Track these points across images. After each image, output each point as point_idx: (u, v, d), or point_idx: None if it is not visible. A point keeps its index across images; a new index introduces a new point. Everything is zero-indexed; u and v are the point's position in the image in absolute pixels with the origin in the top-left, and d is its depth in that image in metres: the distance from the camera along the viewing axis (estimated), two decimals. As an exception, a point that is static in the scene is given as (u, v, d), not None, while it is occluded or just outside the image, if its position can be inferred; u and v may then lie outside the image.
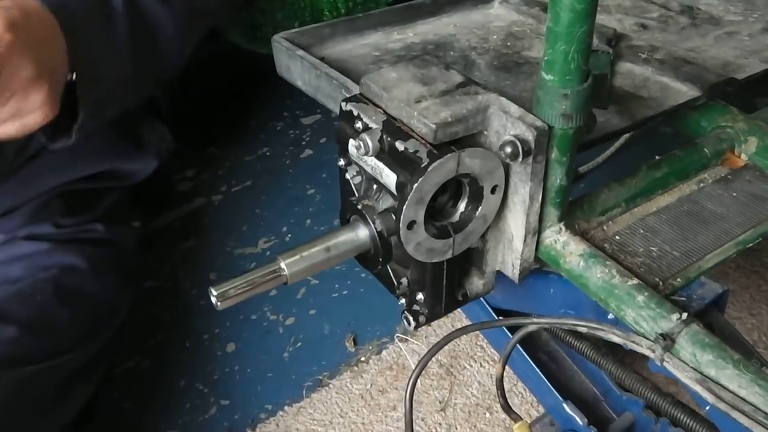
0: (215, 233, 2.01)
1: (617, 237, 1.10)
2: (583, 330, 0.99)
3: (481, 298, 1.46)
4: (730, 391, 0.87)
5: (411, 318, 1.07)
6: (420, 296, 1.06)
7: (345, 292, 1.84)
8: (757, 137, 1.26)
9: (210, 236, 2.00)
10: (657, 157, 1.21)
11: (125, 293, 1.58)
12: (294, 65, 1.33)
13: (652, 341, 0.92)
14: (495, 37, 1.48)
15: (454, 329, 1.17)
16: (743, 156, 1.27)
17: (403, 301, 1.09)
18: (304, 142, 2.35)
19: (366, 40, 1.46)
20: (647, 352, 0.92)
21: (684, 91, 1.30)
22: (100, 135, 1.49)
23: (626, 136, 1.98)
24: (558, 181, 0.99)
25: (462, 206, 0.98)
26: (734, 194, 1.20)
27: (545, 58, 0.91)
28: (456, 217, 0.99)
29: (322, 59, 1.33)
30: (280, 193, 2.15)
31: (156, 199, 2.05)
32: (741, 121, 1.29)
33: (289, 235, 2.01)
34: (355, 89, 1.08)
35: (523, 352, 1.41)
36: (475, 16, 1.58)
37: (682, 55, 1.40)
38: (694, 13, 1.62)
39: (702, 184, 1.22)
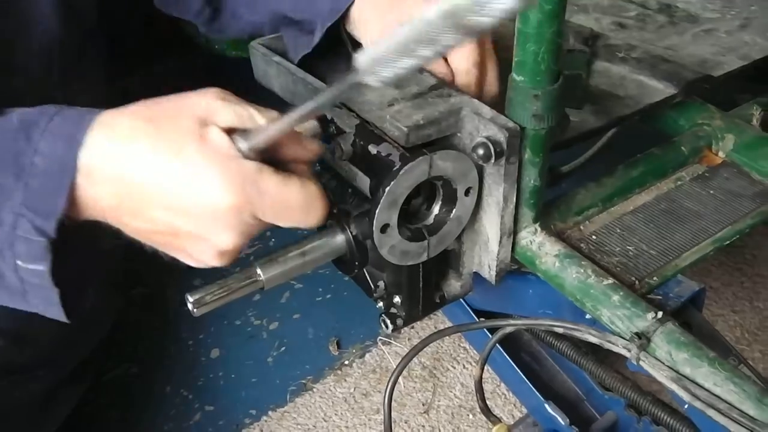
0: (200, 239, 2.01)
1: (594, 237, 1.10)
2: (560, 330, 0.99)
3: (462, 300, 1.46)
4: (706, 389, 0.87)
5: (389, 321, 1.07)
6: (397, 299, 1.05)
7: (328, 295, 1.84)
8: (734, 134, 1.27)
9: (194, 242, 1.99)
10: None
11: (110, 301, 1.58)
12: (271, 71, 1.32)
13: (627, 340, 0.92)
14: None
15: (433, 332, 1.17)
16: (721, 153, 1.27)
17: (381, 304, 1.09)
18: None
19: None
20: (623, 352, 0.92)
21: (661, 89, 1.30)
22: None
23: (609, 135, 1.97)
24: (532, 181, 0.99)
25: (436, 209, 0.98)
26: (711, 192, 1.20)
27: (516, 59, 0.91)
28: (430, 220, 0.99)
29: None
30: (264, 198, 2.15)
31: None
32: (718, 119, 1.29)
33: (273, 240, 2.00)
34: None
35: (504, 354, 1.41)
36: (454, 18, 1.58)
37: (660, 53, 1.40)
38: (672, 12, 1.62)
39: (679, 182, 1.22)
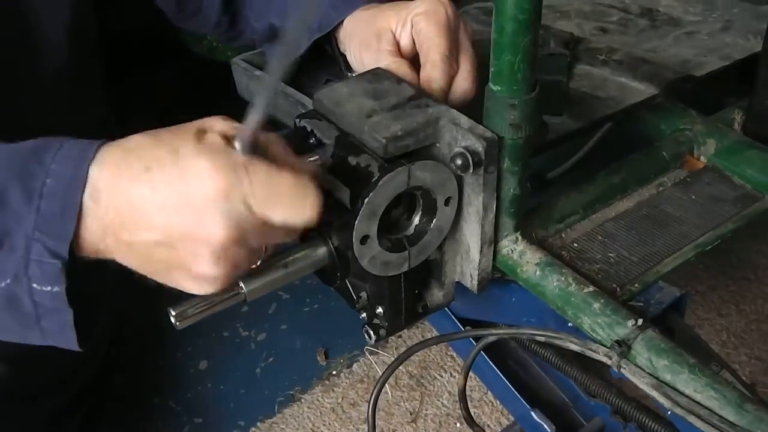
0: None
1: (575, 244, 1.10)
2: (542, 339, 0.99)
3: (447, 309, 1.46)
4: (686, 396, 0.87)
5: (372, 332, 1.07)
6: (379, 310, 1.05)
7: (316, 306, 1.84)
8: (716, 139, 1.27)
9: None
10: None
11: (110, 322, 1.58)
12: (252, 85, 1.33)
13: (608, 348, 0.92)
14: (454, 47, 1.49)
15: (416, 342, 1.17)
16: (702, 158, 1.28)
17: (364, 315, 1.09)
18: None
19: (325, 56, 1.46)
20: (604, 359, 0.93)
21: (642, 90, 1.32)
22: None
23: (595, 139, 1.97)
24: (511, 190, 1.00)
25: (416, 219, 0.98)
26: (693, 197, 1.20)
27: (492, 69, 0.91)
28: (411, 230, 0.99)
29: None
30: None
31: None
32: (699, 123, 1.29)
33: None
34: (311, 106, 1.09)
35: (490, 362, 1.42)
36: (436, 26, 1.59)
37: (641, 55, 1.42)
38: (653, 15, 1.63)
39: (661, 188, 1.23)
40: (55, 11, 1.17)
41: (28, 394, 1.30)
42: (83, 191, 0.78)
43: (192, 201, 0.78)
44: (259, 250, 0.89)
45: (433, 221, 0.98)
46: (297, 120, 1.01)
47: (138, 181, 0.79)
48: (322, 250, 0.99)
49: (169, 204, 0.79)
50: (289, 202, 0.82)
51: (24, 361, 1.29)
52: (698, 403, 0.86)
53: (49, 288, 0.80)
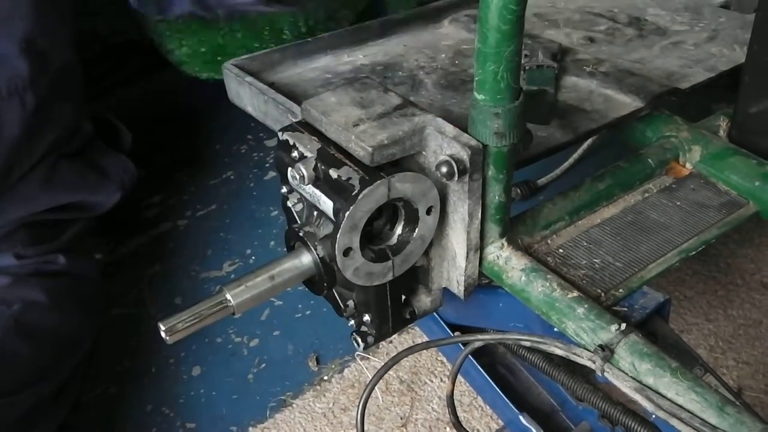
0: (180, 257, 2.01)
1: (561, 250, 1.12)
2: (527, 344, 1.00)
3: (436, 315, 1.47)
4: (668, 399, 0.89)
5: (360, 339, 1.09)
6: (367, 317, 1.07)
7: (308, 312, 1.84)
8: (701, 146, 1.29)
9: (175, 260, 2.00)
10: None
11: (87, 325, 1.59)
12: (243, 91, 1.35)
13: (592, 352, 0.93)
14: (443, 55, 1.50)
15: (404, 349, 1.18)
16: (688, 165, 1.29)
17: (352, 322, 1.10)
18: (267, 164, 2.35)
19: (316, 63, 1.48)
20: (588, 363, 0.94)
21: (627, 103, 1.33)
22: (65, 167, 1.52)
23: (585, 147, 1.99)
24: (497, 197, 1.01)
25: (399, 229, 1.00)
26: (678, 203, 1.22)
27: (476, 79, 0.93)
28: (394, 240, 1.00)
29: (272, 84, 1.35)
30: (244, 216, 2.15)
31: (122, 226, 2.06)
32: (685, 131, 1.31)
33: (254, 257, 2.01)
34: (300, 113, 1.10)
35: (478, 367, 1.43)
36: (425, 35, 1.60)
37: (627, 66, 1.43)
38: (641, 25, 1.65)
39: (647, 194, 1.24)
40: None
41: (1, 392, 1.31)
42: None
43: None
44: None
45: (416, 231, 1.00)
46: (280, 133, 1.03)
47: None
48: (308, 261, 1.01)
49: None
50: None
51: None
52: (680, 406, 0.87)
53: None
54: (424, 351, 1.65)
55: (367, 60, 1.49)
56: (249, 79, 1.33)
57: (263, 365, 1.74)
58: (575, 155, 2.14)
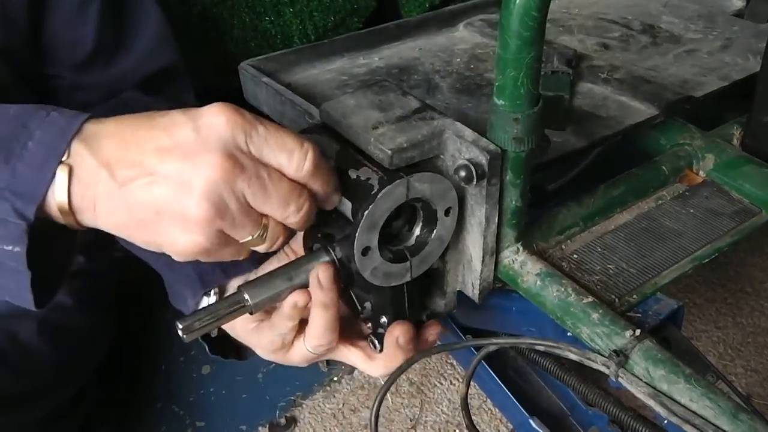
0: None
1: (575, 255, 1.12)
2: (541, 348, 1.01)
3: (448, 318, 1.48)
4: (682, 405, 0.89)
5: (377, 341, 1.09)
6: (384, 320, 1.07)
7: (319, 312, 1.85)
8: (714, 154, 1.29)
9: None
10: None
11: (108, 325, 1.59)
12: (260, 92, 1.35)
13: (606, 358, 0.94)
14: (458, 59, 1.51)
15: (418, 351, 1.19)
16: (701, 173, 1.30)
17: (368, 324, 1.11)
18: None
19: (332, 65, 1.48)
20: (602, 369, 0.94)
21: (642, 110, 1.33)
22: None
23: (595, 153, 1.99)
24: (513, 202, 1.01)
25: (417, 230, 1.00)
26: (691, 210, 1.22)
27: (496, 84, 0.93)
28: (412, 241, 1.00)
29: (288, 85, 1.35)
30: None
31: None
32: (698, 139, 1.31)
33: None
34: (318, 115, 1.10)
35: (489, 370, 1.43)
36: (440, 39, 1.61)
37: (642, 74, 1.43)
38: (654, 32, 1.65)
39: (660, 202, 1.24)
40: None
41: (20, 399, 1.31)
42: (60, 161, 0.80)
43: (189, 134, 0.81)
44: (255, 214, 0.87)
45: (434, 232, 1.00)
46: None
47: (135, 123, 0.83)
48: (325, 262, 1.01)
49: (165, 145, 0.81)
50: (289, 146, 0.86)
51: (15, 363, 1.31)
52: (694, 412, 0.88)
53: (10, 247, 0.81)
54: (434, 354, 1.65)
55: (382, 63, 1.49)
56: (266, 79, 1.34)
57: (273, 365, 1.74)
58: (586, 161, 2.14)
